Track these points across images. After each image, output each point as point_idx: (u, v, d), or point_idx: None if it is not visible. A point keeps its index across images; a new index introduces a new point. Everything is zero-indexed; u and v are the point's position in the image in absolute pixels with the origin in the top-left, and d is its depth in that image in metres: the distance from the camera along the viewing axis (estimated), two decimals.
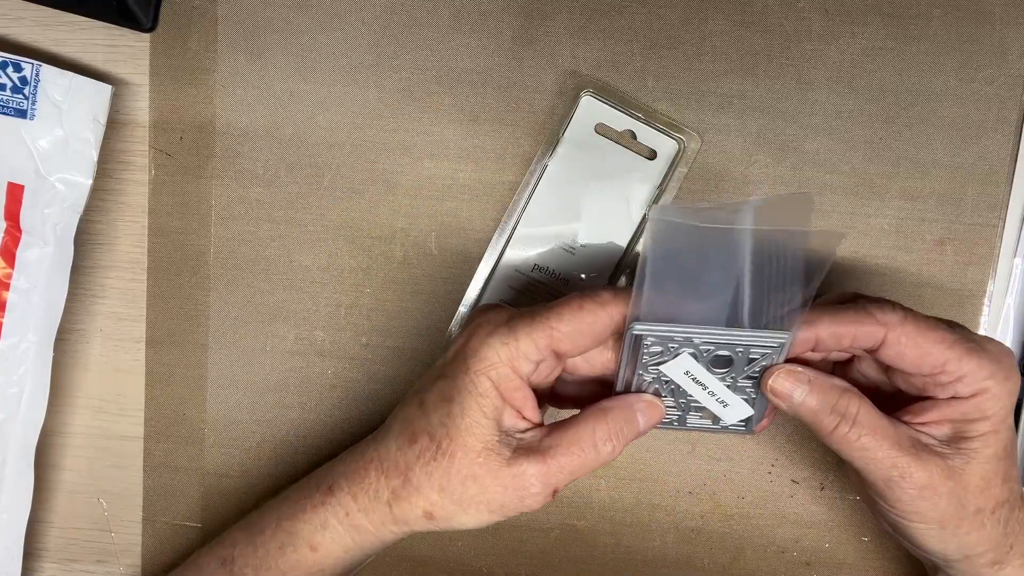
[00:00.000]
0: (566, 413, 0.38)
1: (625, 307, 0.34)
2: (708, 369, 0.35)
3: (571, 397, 0.39)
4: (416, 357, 0.46)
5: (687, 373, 0.36)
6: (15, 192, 0.43)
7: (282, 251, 0.46)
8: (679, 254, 0.34)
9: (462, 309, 0.44)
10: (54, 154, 0.43)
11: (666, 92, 0.44)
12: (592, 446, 0.35)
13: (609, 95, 0.43)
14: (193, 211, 0.46)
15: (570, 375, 0.38)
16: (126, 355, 0.47)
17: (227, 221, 0.46)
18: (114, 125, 0.45)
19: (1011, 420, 0.35)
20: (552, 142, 0.43)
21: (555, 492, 0.36)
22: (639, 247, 0.43)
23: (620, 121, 0.43)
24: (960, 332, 0.34)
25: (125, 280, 0.46)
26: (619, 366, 0.36)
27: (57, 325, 0.44)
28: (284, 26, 0.45)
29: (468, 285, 0.44)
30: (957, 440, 0.35)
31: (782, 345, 0.34)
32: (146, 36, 0.45)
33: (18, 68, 0.42)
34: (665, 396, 0.37)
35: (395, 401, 0.46)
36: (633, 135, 0.43)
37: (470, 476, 0.35)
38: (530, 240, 0.43)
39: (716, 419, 0.38)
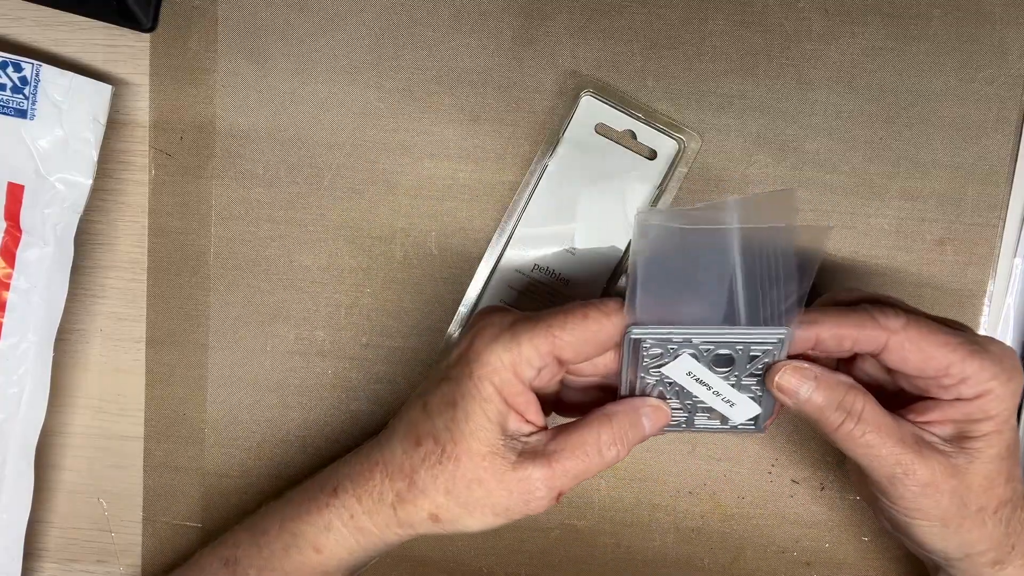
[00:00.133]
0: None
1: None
2: (710, 369, 0.35)
3: (577, 405, 0.39)
4: (416, 357, 0.46)
5: (689, 374, 0.36)
6: (15, 192, 0.43)
7: (282, 251, 0.46)
8: (668, 257, 0.34)
9: (462, 309, 0.44)
10: (54, 154, 0.43)
11: (666, 92, 0.44)
12: (597, 450, 0.35)
13: (609, 95, 0.43)
14: (193, 211, 0.46)
15: (575, 378, 0.38)
16: (126, 355, 0.47)
17: (227, 221, 0.46)
18: (114, 125, 0.45)
19: (1014, 420, 0.35)
20: (552, 142, 0.43)
21: (560, 496, 0.36)
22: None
23: (620, 121, 0.43)
24: (963, 334, 0.34)
25: (125, 280, 0.46)
26: (621, 370, 0.36)
27: (57, 325, 0.44)
28: (284, 26, 0.45)
29: (468, 285, 0.44)
30: (960, 440, 0.35)
31: (781, 341, 0.34)
32: (146, 36, 0.45)
33: (18, 68, 0.42)
34: (670, 398, 0.37)
35: (395, 401, 0.46)
36: (633, 135, 0.43)
37: (475, 480, 0.35)
38: (530, 240, 0.43)
39: (724, 419, 0.38)
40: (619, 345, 0.36)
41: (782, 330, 0.34)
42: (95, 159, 0.43)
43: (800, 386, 0.35)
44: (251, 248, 0.46)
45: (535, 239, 0.43)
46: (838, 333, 0.34)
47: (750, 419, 0.37)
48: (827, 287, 0.44)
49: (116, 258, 0.46)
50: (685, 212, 0.35)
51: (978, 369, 0.34)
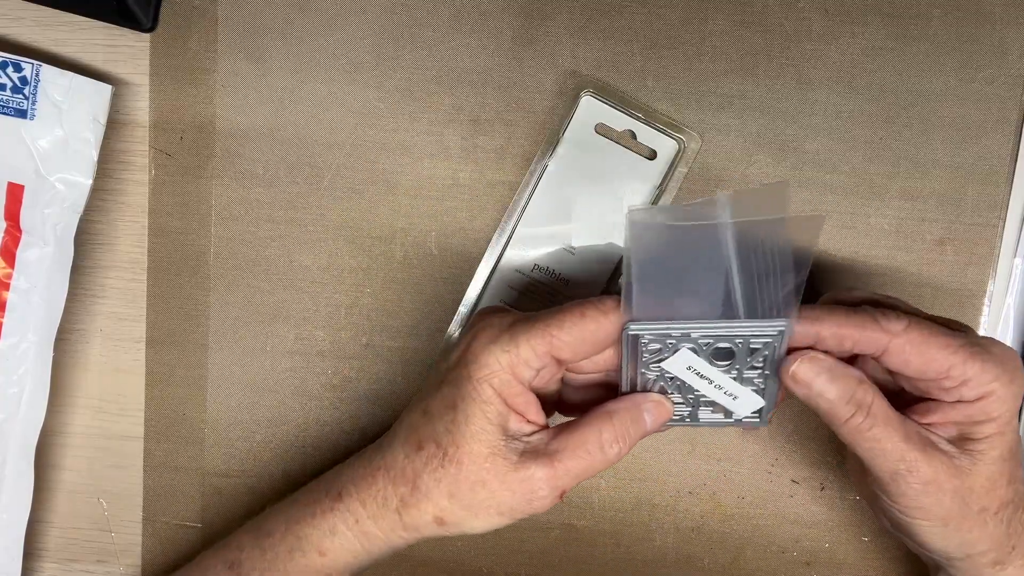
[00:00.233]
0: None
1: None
2: (710, 362, 0.35)
3: (579, 404, 0.39)
4: (416, 357, 0.46)
5: (689, 368, 0.36)
6: (15, 192, 0.43)
7: (282, 251, 0.46)
8: (662, 253, 0.34)
9: (462, 309, 0.44)
10: (54, 154, 0.43)
11: (666, 92, 0.44)
12: (599, 448, 0.35)
13: (609, 95, 0.43)
14: (193, 211, 0.46)
15: (576, 376, 0.38)
16: (126, 355, 0.47)
17: (227, 221, 0.46)
18: (114, 125, 0.45)
19: (1016, 421, 0.35)
20: (552, 142, 0.43)
21: (563, 494, 0.36)
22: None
23: (620, 121, 0.43)
24: (964, 335, 0.34)
25: (125, 280, 0.46)
26: (621, 367, 0.36)
27: (57, 325, 0.44)
28: (284, 26, 0.45)
29: (468, 285, 0.44)
30: (963, 442, 0.35)
31: (781, 333, 0.34)
32: (146, 36, 0.45)
33: (18, 68, 0.42)
34: (672, 393, 0.37)
35: (395, 401, 0.46)
36: (633, 135, 0.43)
37: (478, 481, 0.35)
38: (530, 240, 0.43)
39: (728, 413, 0.38)
40: (618, 343, 0.36)
41: (781, 322, 0.34)
42: (95, 159, 0.43)
43: (816, 377, 0.34)
44: (251, 248, 0.46)
45: (535, 239, 0.43)
46: (839, 333, 0.34)
47: (754, 412, 0.37)
48: (827, 287, 0.44)
49: (116, 258, 0.46)
50: (678, 209, 0.35)
51: (980, 371, 0.33)
